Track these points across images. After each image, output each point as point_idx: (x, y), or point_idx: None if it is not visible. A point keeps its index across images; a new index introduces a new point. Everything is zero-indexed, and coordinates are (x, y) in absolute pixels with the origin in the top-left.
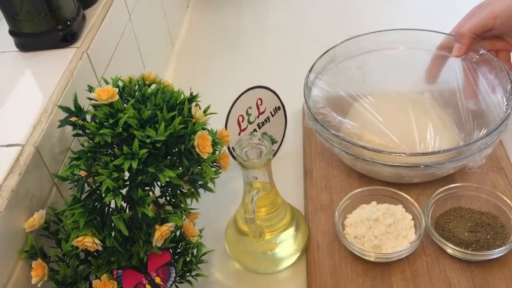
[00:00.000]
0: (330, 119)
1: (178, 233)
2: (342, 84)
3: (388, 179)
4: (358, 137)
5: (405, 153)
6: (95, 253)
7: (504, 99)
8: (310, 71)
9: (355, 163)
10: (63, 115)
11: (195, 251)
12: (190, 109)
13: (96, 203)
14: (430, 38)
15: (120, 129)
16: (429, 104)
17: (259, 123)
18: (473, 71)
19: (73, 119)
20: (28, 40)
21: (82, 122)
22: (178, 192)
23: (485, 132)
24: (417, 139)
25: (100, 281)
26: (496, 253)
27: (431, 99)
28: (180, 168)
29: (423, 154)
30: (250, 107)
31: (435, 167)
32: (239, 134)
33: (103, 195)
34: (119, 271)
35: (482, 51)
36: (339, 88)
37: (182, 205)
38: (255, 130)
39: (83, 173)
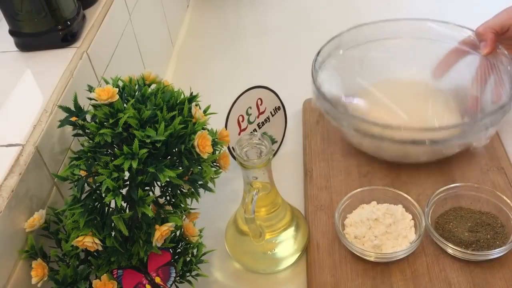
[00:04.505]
0: (338, 99)
1: (178, 233)
2: (349, 70)
3: (395, 158)
4: (366, 115)
5: (412, 128)
6: (95, 253)
7: None
8: (317, 55)
9: (362, 142)
10: (63, 115)
11: (195, 251)
12: (190, 109)
13: (96, 203)
14: (431, 28)
15: (120, 129)
16: (436, 89)
17: (259, 123)
18: (487, 69)
19: (73, 119)
20: (28, 40)
21: (82, 122)
22: (178, 192)
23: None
24: (424, 118)
25: (100, 281)
26: (496, 253)
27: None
28: (180, 168)
29: (430, 129)
30: (250, 107)
31: (440, 143)
32: (239, 134)
33: (103, 195)
34: (119, 271)
35: (499, 48)
36: (346, 74)
37: (182, 205)
38: (255, 130)
39: (83, 173)
